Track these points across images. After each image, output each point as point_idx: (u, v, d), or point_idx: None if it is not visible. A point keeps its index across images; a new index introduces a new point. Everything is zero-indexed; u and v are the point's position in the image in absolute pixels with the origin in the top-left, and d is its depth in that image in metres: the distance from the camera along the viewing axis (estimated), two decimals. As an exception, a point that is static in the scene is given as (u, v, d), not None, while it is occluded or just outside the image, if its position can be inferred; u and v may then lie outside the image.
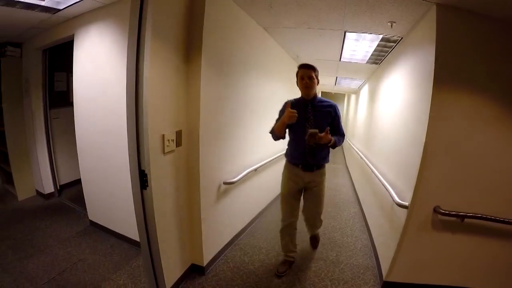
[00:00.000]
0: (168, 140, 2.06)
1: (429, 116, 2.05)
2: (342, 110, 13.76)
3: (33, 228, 3.40)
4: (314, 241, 3.20)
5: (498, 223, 2.12)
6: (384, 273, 2.56)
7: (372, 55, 3.94)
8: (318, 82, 2.45)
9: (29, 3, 2.61)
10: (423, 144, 2.09)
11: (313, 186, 2.59)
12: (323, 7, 2.51)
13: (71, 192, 4.53)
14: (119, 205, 3.06)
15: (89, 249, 2.98)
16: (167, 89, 2.05)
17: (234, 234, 3.20)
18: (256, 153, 3.63)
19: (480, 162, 2.14)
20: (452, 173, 2.18)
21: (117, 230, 3.20)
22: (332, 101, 2.53)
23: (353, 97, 9.06)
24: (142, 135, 1.82)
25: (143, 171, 1.86)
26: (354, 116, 7.84)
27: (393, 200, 2.42)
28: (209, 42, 2.23)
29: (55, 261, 2.77)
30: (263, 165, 3.64)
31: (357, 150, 5.52)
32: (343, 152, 10.10)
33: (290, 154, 2.58)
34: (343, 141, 2.57)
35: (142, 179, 1.87)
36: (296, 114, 2.22)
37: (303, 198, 2.73)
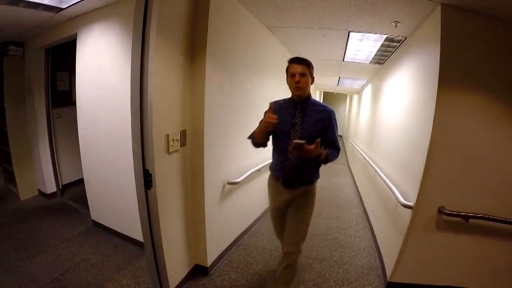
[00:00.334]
0: (173, 139, 2.05)
1: (434, 116, 2.04)
2: (344, 111, 13.69)
3: (35, 228, 3.40)
4: (286, 274, 2.14)
5: (503, 224, 2.11)
6: (388, 273, 2.55)
7: (375, 55, 3.93)
8: (312, 81, 2.00)
9: (32, 2, 2.60)
10: (428, 144, 2.08)
11: (294, 205, 2.10)
12: (328, 7, 2.49)
13: (74, 192, 4.53)
14: (122, 205, 3.04)
15: (92, 249, 2.97)
16: (171, 88, 2.04)
17: (237, 234, 3.19)
18: (260, 153, 3.59)
19: (485, 162, 2.13)
20: (457, 174, 2.17)
21: (120, 230, 3.19)
22: (329, 106, 2.07)
23: (355, 97, 9.04)
24: (146, 134, 1.80)
25: (148, 171, 1.84)
26: (357, 116, 7.82)
27: (398, 201, 2.40)
28: (214, 41, 2.21)
29: (58, 261, 2.77)
30: (267, 165, 3.61)
31: (359, 150, 5.51)
32: (345, 152, 10.08)
33: (273, 165, 2.19)
34: (337, 156, 2.04)
35: (146, 179, 1.86)
36: (275, 121, 1.78)
37: None
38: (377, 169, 3.54)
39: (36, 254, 2.85)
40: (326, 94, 12.38)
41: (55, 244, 3.06)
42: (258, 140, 2.04)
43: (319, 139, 1.77)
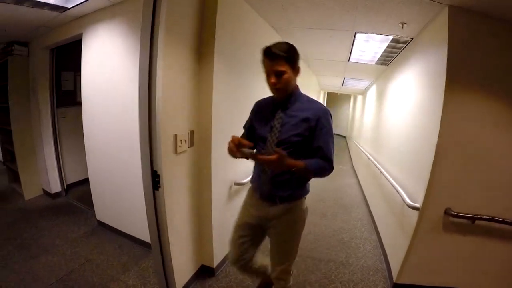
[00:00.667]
0: (181, 140, 2.05)
1: (441, 117, 2.03)
2: (347, 111, 13.52)
3: (40, 228, 3.39)
4: None
5: (509, 226, 2.10)
6: (394, 275, 2.54)
7: (381, 56, 3.92)
8: (297, 72, 1.61)
9: (37, 1, 2.59)
10: (435, 145, 2.07)
11: (276, 226, 1.74)
12: (335, 7, 2.48)
13: (78, 192, 4.52)
14: (127, 205, 3.04)
15: (97, 249, 2.96)
16: (179, 88, 2.04)
17: None
18: None
19: (492, 163, 2.12)
20: (464, 175, 2.15)
21: (125, 231, 3.18)
22: (322, 104, 1.71)
23: (359, 98, 9.01)
24: (154, 135, 1.80)
25: (156, 171, 1.84)
26: (361, 117, 7.80)
27: (404, 202, 2.39)
28: (221, 42, 2.21)
29: (63, 261, 2.76)
30: None
31: (364, 150, 5.50)
32: (349, 152, 10.05)
33: (252, 177, 1.85)
34: (328, 171, 1.61)
35: (154, 180, 1.85)
36: (235, 151, 1.49)
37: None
38: (382, 170, 3.53)
39: (40, 254, 2.84)
40: (330, 95, 12.34)
41: (60, 244, 3.06)
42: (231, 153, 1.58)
43: (283, 151, 1.39)
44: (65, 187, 4.50)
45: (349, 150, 10.55)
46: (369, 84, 6.38)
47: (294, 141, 1.56)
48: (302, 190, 1.71)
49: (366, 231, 3.73)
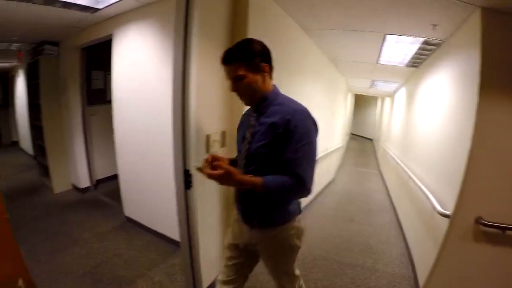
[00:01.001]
0: (213, 140, 2.06)
1: (475, 122, 1.94)
2: (375, 114, 13.09)
3: (68, 221, 3.50)
4: None
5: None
6: (421, 283, 2.47)
7: (411, 58, 3.83)
8: (265, 71, 1.33)
9: (68, 2, 2.66)
10: (468, 151, 1.97)
11: (262, 251, 1.53)
12: (365, 8, 2.44)
13: (106, 188, 4.63)
14: (156, 202, 3.08)
15: (125, 244, 3.02)
16: (212, 90, 2.05)
17: None
18: None
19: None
20: (497, 182, 2.03)
21: (153, 228, 3.22)
22: (296, 105, 1.34)
23: (387, 100, 8.80)
24: (188, 135, 1.81)
25: (188, 171, 1.85)
26: (389, 120, 7.63)
27: (434, 209, 2.31)
28: (254, 43, 2.19)
29: (90, 254, 2.83)
30: None
31: (392, 154, 5.38)
32: (376, 156, 9.88)
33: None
34: (295, 193, 1.32)
35: (186, 179, 1.87)
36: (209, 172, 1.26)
37: None
38: (411, 174, 3.43)
39: (69, 247, 2.93)
40: (357, 97, 12.06)
41: (88, 237, 3.14)
42: None
43: (228, 167, 1.24)
44: (94, 183, 4.62)
45: (375, 153, 10.35)
46: (398, 86, 6.24)
47: (261, 153, 1.31)
48: (283, 213, 1.41)
49: (393, 236, 3.65)
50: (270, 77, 1.37)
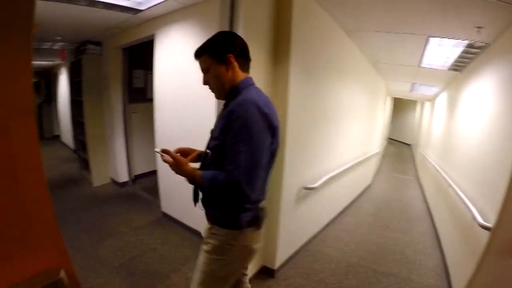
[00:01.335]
0: (255, 142, 2.05)
1: None
2: (413, 118, 12.68)
3: (106, 214, 3.62)
4: None
5: None
6: (456, 298, 2.34)
7: (454, 61, 3.67)
8: (227, 62, 1.24)
9: (111, 4, 2.76)
10: (513, 162, 1.85)
11: (201, 250, 1.39)
12: (409, 11, 2.38)
13: (144, 183, 4.75)
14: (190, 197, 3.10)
15: (160, 240, 3.08)
16: (256, 90, 2.04)
17: (306, 239, 3.14)
18: (336, 158, 3.60)
19: None
20: None
21: (188, 224, 3.27)
22: (246, 95, 1.21)
23: (427, 105, 8.46)
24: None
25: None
26: (429, 125, 7.34)
27: (475, 220, 2.18)
28: (297, 44, 2.19)
29: (126, 247, 2.91)
30: (342, 171, 3.60)
31: (431, 161, 5.16)
32: (414, 162, 9.52)
33: None
34: (227, 193, 1.17)
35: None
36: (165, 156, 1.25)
37: None
38: (451, 182, 3.28)
39: (105, 238, 3.03)
40: (395, 100, 11.65)
41: (125, 230, 3.23)
42: None
43: (178, 156, 1.24)
44: (133, 178, 4.76)
45: (414, 159, 9.99)
46: (439, 90, 6.00)
47: (214, 146, 1.26)
48: (230, 217, 1.26)
49: (429, 246, 3.50)
50: (242, 69, 1.30)
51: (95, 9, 2.85)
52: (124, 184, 4.63)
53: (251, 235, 1.29)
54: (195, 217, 3.11)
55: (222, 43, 1.25)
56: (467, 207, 2.44)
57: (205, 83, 1.32)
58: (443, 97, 5.66)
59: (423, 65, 4.08)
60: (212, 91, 1.34)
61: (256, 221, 1.30)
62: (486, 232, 2.04)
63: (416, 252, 3.31)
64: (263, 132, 1.15)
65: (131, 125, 4.59)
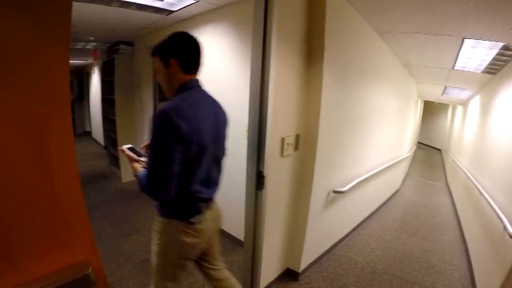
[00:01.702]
0: (287, 143, 2.07)
1: None
2: (445, 123, 12.27)
3: (133, 209, 3.73)
4: None
5: None
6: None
7: (488, 64, 3.53)
8: (171, 66, 1.30)
9: (143, 5, 2.83)
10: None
11: None
12: (444, 11, 2.31)
13: None
14: (220, 199, 3.09)
15: (186, 237, 3.13)
16: (289, 92, 2.06)
17: (332, 243, 3.12)
18: (366, 162, 3.57)
19: None
20: None
21: (215, 223, 3.30)
22: (160, 109, 1.22)
23: (459, 109, 8.15)
24: (263, 136, 1.84)
25: (261, 172, 1.88)
26: (461, 130, 7.07)
27: (506, 230, 2.10)
28: (330, 46, 2.17)
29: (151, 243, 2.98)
30: (371, 175, 3.56)
31: (462, 168, 4.98)
32: (444, 168, 9.22)
33: None
34: (148, 192, 1.26)
35: (258, 180, 1.90)
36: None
37: None
38: (482, 191, 3.16)
39: (131, 233, 3.11)
40: (426, 103, 11.26)
41: (150, 226, 3.30)
42: None
43: (128, 152, 1.41)
44: None
45: (444, 164, 9.66)
46: (472, 94, 5.77)
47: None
48: (162, 206, 1.39)
49: (456, 256, 3.38)
50: (188, 72, 1.35)
51: (128, 10, 2.95)
52: (152, 181, 4.72)
53: (180, 227, 1.36)
54: (223, 216, 3.19)
55: (168, 46, 1.31)
56: (498, 216, 2.37)
57: (157, 81, 1.44)
58: (476, 101, 5.44)
59: (457, 68, 3.96)
60: (163, 90, 1.41)
61: (184, 215, 1.36)
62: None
63: (442, 261, 3.21)
64: (169, 144, 1.19)
65: (161, 124, 4.68)
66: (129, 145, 1.52)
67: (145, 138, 1.52)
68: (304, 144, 2.29)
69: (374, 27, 2.96)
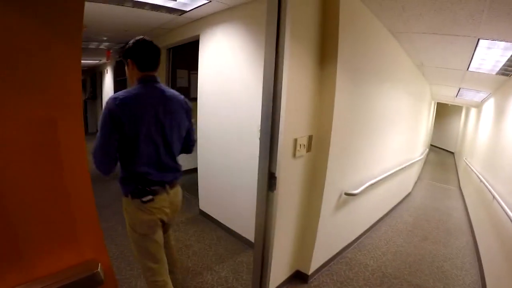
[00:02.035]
0: (300, 144, 2.06)
1: None
2: (458, 126, 12.14)
3: (144, 208, 3.74)
4: None
5: None
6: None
7: (503, 65, 3.46)
8: (128, 65, 1.65)
9: (157, 5, 2.85)
10: None
11: None
12: (460, 11, 2.26)
13: (183, 180, 4.74)
14: (231, 200, 3.17)
15: (195, 237, 3.16)
16: (302, 93, 2.05)
17: (342, 246, 3.10)
18: (378, 164, 3.54)
19: None
20: None
21: (225, 223, 3.32)
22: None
23: (473, 111, 8.01)
24: (276, 137, 1.83)
25: (273, 173, 1.87)
26: (474, 133, 6.95)
27: None
28: (343, 47, 2.16)
29: (162, 242, 3.00)
30: (383, 178, 3.52)
31: (476, 171, 4.89)
32: (457, 171, 9.09)
33: None
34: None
35: (270, 181, 1.89)
36: None
37: None
38: (496, 195, 3.09)
39: (142, 232, 3.13)
40: (439, 105, 11.07)
41: (161, 226, 3.34)
42: None
43: None
44: None
45: (457, 168, 9.50)
46: (487, 96, 5.66)
47: None
48: (124, 182, 1.58)
49: (468, 262, 3.32)
50: (143, 69, 1.61)
51: (141, 10, 2.97)
52: (163, 180, 4.74)
53: (136, 205, 1.55)
54: (233, 217, 3.20)
55: (127, 50, 1.62)
56: (512, 222, 2.31)
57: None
58: (490, 104, 5.34)
59: (471, 69, 3.89)
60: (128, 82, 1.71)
61: (137, 195, 1.54)
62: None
63: (453, 267, 3.16)
64: (106, 125, 1.44)
65: (173, 124, 4.70)
66: None
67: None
68: (317, 146, 2.28)
69: (388, 27, 2.93)
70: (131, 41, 1.61)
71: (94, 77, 8.67)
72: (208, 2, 2.76)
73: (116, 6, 2.85)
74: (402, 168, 4.35)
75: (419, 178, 7.54)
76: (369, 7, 2.49)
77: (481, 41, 2.83)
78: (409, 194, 5.92)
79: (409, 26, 2.81)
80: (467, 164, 6.26)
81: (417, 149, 6.32)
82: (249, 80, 2.73)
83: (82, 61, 0.84)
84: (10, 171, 0.68)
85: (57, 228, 0.78)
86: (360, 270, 2.86)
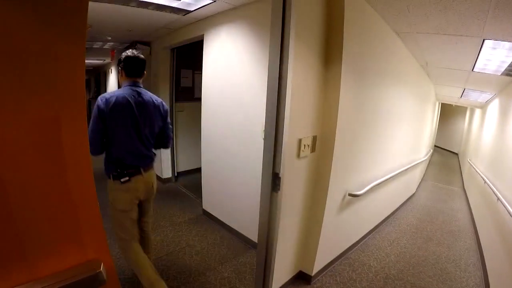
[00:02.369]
0: (304, 145, 2.06)
1: None
2: (463, 126, 12.07)
3: (147, 208, 3.75)
4: None
5: None
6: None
7: (508, 65, 3.44)
8: (118, 72, 2.12)
9: (161, 5, 2.85)
10: None
11: None
12: (464, 11, 2.25)
13: (186, 180, 4.89)
14: (235, 200, 3.17)
15: (198, 237, 3.15)
16: (306, 93, 2.05)
17: (346, 247, 3.09)
18: (382, 165, 3.53)
19: None
20: None
21: (228, 224, 3.32)
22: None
23: (478, 112, 7.97)
24: (279, 137, 1.83)
25: (277, 174, 1.87)
26: (478, 134, 6.90)
27: None
28: (348, 47, 2.15)
29: (165, 241, 3.01)
30: (388, 179, 3.51)
31: (480, 172, 4.86)
32: (461, 173, 9.03)
33: None
34: None
35: (274, 182, 1.89)
36: None
37: None
38: (500, 197, 3.08)
39: (145, 232, 3.14)
40: (443, 106, 11.00)
41: (164, 225, 3.35)
42: None
43: None
44: (175, 174, 4.91)
45: (461, 169, 9.43)
46: (491, 97, 5.62)
47: None
48: (106, 165, 1.95)
49: (472, 264, 3.30)
50: (129, 75, 2.01)
51: (145, 10, 2.98)
52: (167, 180, 4.79)
53: (117, 185, 1.91)
54: (236, 217, 3.19)
55: (119, 61, 2.02)
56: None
57: None
58: (495, 105, 5.31)
59: (476, 70, 3.87)
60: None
61: (117, 176, 1.90)
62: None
63: (457, 269, 3.15)
64: (94, 117, 1.82)
65: (176, 123, 4.73)
66: None
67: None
68: (321, 146, 2.27)
69: (393, 27, 2.92)
70: (123, 55, 2.02)
71: (98, 76, 8.71)
72: (213, 2, 2.75)
73: (121, 6, 2.85)
74: (406, 169, 4.34)
75: (423, 179, 7.51)
76: (374, 7, 2.48)
77: (486, 41, 2.81)
78: (413, 195, 5.90)
79: (414, 26, 2.80)
80: (471, 165, 6.22)
81: (421, 150, 6.29)
82: (253, 80, 2.72)
83: (86, 61, 0.84)
84: (13, 170, 0.68)
85: (60, 227, 0.79)
86: (363, 271, 2.85)
